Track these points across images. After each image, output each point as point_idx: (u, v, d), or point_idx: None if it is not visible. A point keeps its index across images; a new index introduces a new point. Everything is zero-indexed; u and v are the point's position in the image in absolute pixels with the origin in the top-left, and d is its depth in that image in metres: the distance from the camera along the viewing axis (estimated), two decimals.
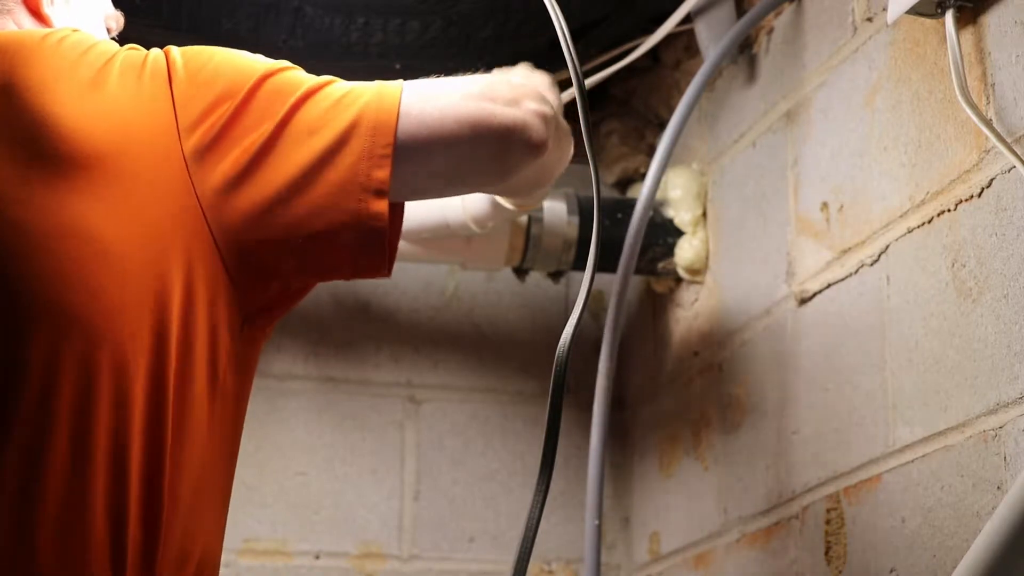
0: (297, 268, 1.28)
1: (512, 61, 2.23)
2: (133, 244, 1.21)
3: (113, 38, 1.47)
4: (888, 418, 1.70)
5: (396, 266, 2.35)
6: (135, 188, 1.21)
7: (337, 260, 1.28)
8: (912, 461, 1.65)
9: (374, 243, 1.27)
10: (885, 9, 1.69)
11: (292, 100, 1.27)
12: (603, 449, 2.02)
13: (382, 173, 1.25)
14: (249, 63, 1.29)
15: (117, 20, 1.52)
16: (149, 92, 1.25)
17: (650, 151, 2.32)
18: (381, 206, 1.25)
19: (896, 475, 1.68)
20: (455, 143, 1.29)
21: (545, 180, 1.52)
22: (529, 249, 2.20)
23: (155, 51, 1.30)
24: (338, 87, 1.32)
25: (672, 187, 2.23)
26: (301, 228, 1.25)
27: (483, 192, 1.42)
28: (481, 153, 1.30)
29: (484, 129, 1.29)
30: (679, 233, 2.23)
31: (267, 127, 1.25)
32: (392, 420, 2.39)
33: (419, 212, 2.14)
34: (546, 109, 1.33)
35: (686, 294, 2.26)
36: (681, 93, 2.13)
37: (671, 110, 2.13)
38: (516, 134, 1.31)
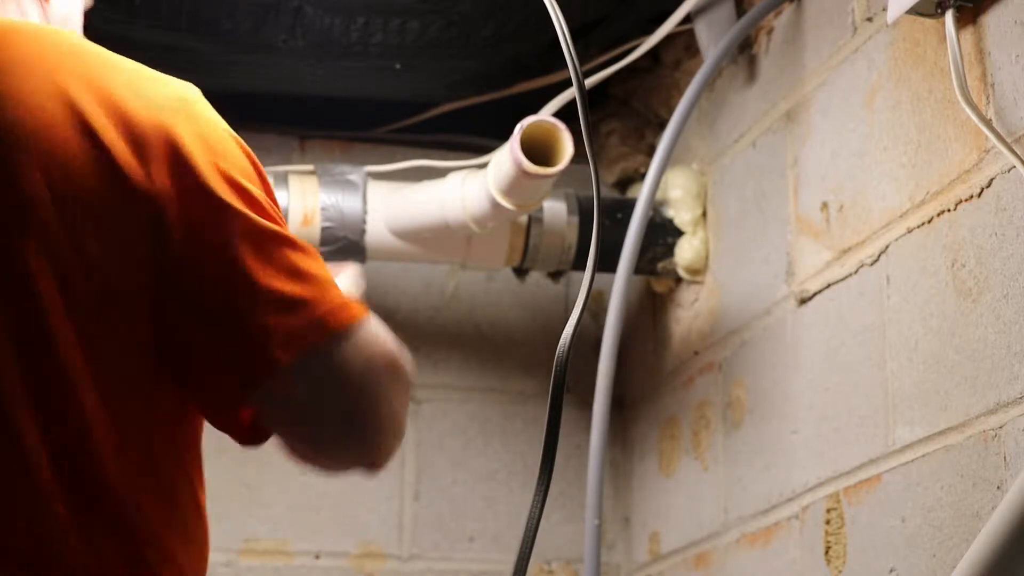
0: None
1: (512, 61, 2.24)
2: None
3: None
4: (888, 418, 1.70)
5: (396, 266, 2.38)
6: None
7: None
8: (912, 461, 1.65)
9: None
10: (885, 9, 1.69)
11: None
12: (603, 449, 2.03)
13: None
14: None
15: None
16: None
17: (650, 151, 2.32)
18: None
19: (896, 475, 1.68)
20: (332, 399, 1.23)
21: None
22: (529, 249, 2.20)
23: None
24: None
25: (672, 187, 2.23)
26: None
27: (297, 449, 1.37)
28: (336, 426, 1.23)
29: (364, 417, 1.23)
30: (679, 233, 2.23)
31: None
32: None
33: (419, 212, 2.14)
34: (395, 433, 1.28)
35: (686, 294, 2.26)
36: (681, 93, 2.13)
37: (671, 110, 2.13)
38: (373, 445, 1.25)
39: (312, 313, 1.18)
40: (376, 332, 1.22)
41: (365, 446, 1.23)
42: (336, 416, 1.21)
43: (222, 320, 1.18)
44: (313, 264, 1.21)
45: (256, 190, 1.21)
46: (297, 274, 1.19)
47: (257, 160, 1.25)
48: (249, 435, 1.24)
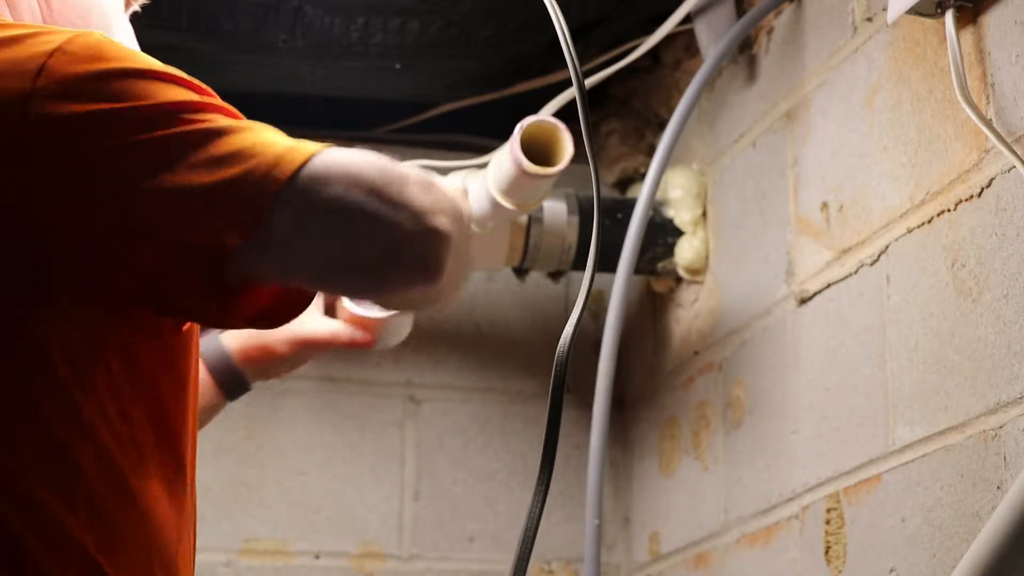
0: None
1: (512, 61, 2.24)
2: None
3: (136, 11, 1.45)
4: (888, 418, 1.70)
5: None
6: None
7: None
8: (912, 461, 1.65)
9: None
10: (885, 9, 1.69)
11: None
12: (603, 449, 2.02)
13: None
14: None
15: None
16: None
17: (650, 151, 2.32)
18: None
19: (896, 475, 1.68)
20: (333, 240, 1.15)
21: (420, 305, 1.32)
22: (529, 249, 2.20)
23: None
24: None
25: (672, 187, 2.23)
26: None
27: (353, 297, 1.27)
28: (360, 259, 1.16)
29: (374, 231, 1.14)
30: (679, 233, 2.23)
31: None
32: (392, 420, 2.39)
33: None
34: (454, 232, 1.19)
35: (686, 294, 2.26)
36: (681, 93, 2.13)
37: (671, 110, 2.13)
38: (409, 249, 1.16)
39: (247, 183, 1.12)
40: (341, 156, 1.15)
41: (401, 264, 1.15)
42: (347, 256, 1.15)
43: (163, 243, 1.13)
44: (236, 139, 1.14)
45: (157, 100, 1.14)
46: (219, 161, 1.13)
47: (170, 71, 1.18)
48: (256, 319, 1.20)
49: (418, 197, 1.15)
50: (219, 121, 1.15)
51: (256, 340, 1.75)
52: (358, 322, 1.79)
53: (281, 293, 1.21)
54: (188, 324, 1.25)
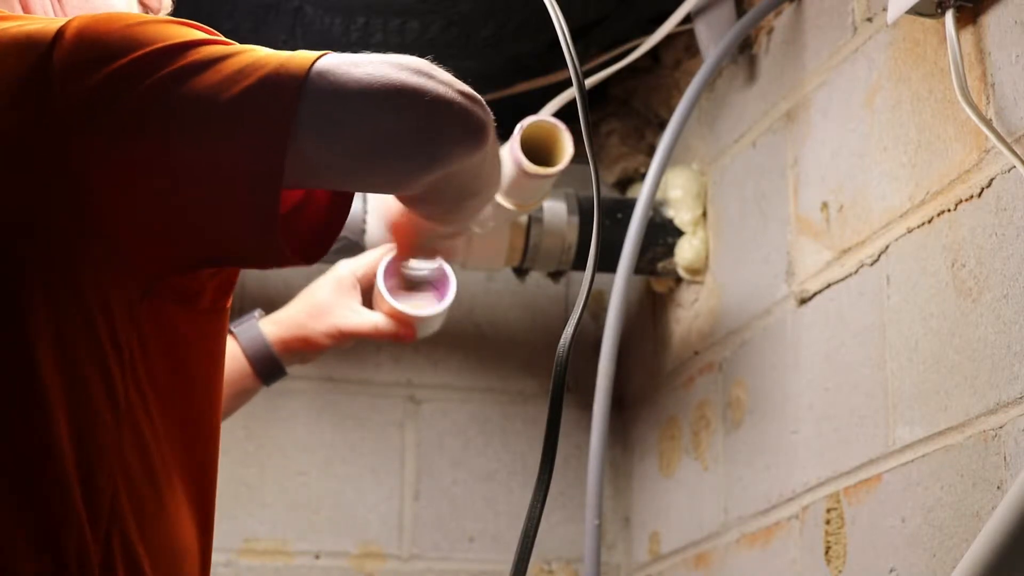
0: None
1: (512, 61, 2.24)
2: None
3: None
4: (888, 418, 1.70)
5: None
6: None
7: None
8: (912, 461, 1.65)
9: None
10: (885, 9, 1.69)
11: None
12: (603, 449, 2.02)
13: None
14: None
15: None
16: None
17: (650, 151, 2.32)
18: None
19: (896, 475, 1.68)
20: (376, 112, 1.18)
21: (471, 191, 1.34)
22: (529, 249, 2.20)
23: None
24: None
25: (672, 187, 2.23)
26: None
27: (399, 190, 1.29)
28: (406, 126, 1.19)
29: (414, 97, 1.17)
30: (679, 233, 2.23)
31: None
32: (392, 420, 2.39)
33: None
34: (483, 104, 1.24)
35: (686, 294, 2.26)
36: (681, 93, 2.13)
37: (671, 110, 2.13)
38: (451, 109, 1.19)
39: (266, 86, 1.15)
40: (342, 56, 1.19)
41: (448, 125, 1.20)
42: (394, 128, 1.18)
43: (206, 178, 1.16)
44: (245, 56, 1.17)
45: (171, 40, 1.17)
46: (235, 76, 1.16)
47: (175, 19, 1.21)
48: (304, 250, 1.22)
49: (443, 71, 1.21)
50: (224, 48, 1.19)
51: (297, 332, 1.78)
52: (397, 316, 1.81)
53: (320, 216, 1.24)
54: (224, 302, 1.27)
